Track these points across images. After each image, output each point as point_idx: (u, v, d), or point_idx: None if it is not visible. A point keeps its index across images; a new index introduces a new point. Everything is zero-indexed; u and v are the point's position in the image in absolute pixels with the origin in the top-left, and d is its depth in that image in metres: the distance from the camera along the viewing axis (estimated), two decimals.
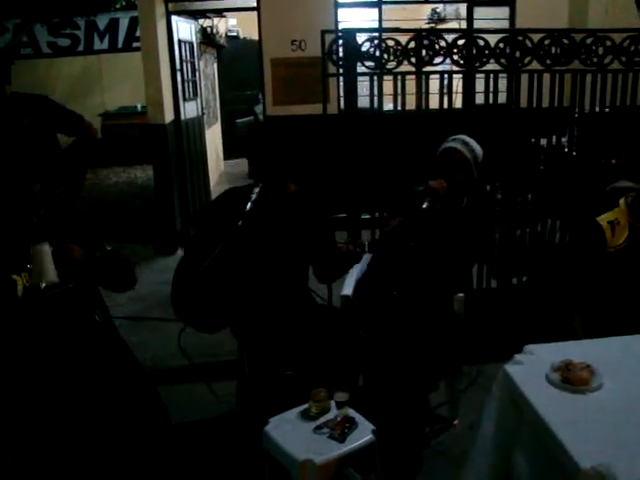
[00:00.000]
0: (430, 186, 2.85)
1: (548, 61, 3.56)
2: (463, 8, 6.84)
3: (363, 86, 3.73)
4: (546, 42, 3.52)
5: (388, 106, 3.84)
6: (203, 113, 7.62)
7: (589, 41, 3.54)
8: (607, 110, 3.78)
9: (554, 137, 3.86)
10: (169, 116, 6.10)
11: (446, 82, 3.70)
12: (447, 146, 2.99)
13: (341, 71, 3.59)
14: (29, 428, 2.11)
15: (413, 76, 3.61)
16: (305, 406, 2.31)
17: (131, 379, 2.31)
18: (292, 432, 2.24)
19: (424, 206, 2.79)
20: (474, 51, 3.55)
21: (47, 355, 2.18)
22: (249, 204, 2.75)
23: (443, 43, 3.54)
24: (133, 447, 2.18)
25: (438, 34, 3.60)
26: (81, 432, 2.11)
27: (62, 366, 2.18)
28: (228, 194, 2.91)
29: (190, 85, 6.86)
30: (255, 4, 6.13)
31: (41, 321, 2.19)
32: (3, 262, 2.13)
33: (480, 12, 6.31)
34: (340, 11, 6.27)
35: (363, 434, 2.23)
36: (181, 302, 2.80)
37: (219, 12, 8.17)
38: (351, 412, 2.31)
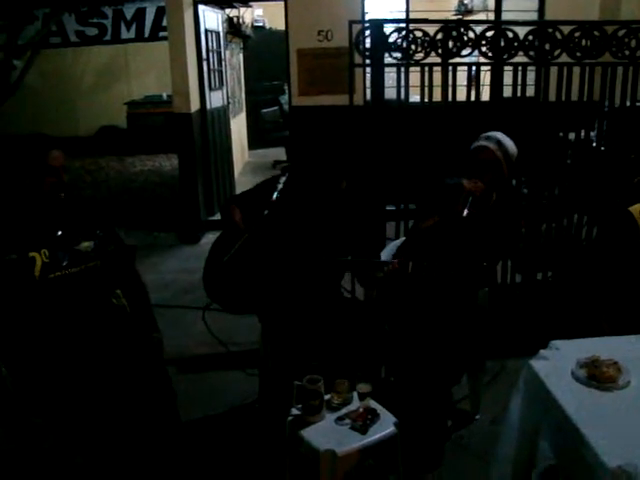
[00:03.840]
0: (466, 189, 2.79)
1: (578, 54, 3.50)
2: None
3: (389, 77, 3.71)
4: (576, 34, 3.46)
5: (414, 98, 3.81)
6: (228, 103, 7.64)
7: (621, 33, 3.47)
8: (638, 104, 3.71)
9: (583, 131, 3.80)
10: (195, 105, 6.13)
11: (474, 74, 3.66)
12: (479, 144, 2.94)
13: (368, 62, 3.56)
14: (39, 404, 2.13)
15: (440, 67, 3.58)
16: (327, 397, 2.32)
17: (137, 365, 2.30)
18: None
19: (464, 214, 2.74)
20: (502, 43, 3.50)
21: (58, 331, 2.18)
22: (275, 194, 2.78)
23: (471, 34, 3.49)
24: (140, 436, 2.19)
25: (466, 25, 3.56)
26: (87, 415, 2.13)
27: (72, 343, 2.18)
28: (265, 184, 2.96)
29: (216, 75, 6.87)
30: None
31: (57, 298, 2.19)
32: (22, 239, 2.14)
33: (509, 4, 6.22)
34: (367, 1, 6.24)
35: (385, 426, 2.23)
36: (210, 285, 2.89)
37: (245, 2, 8.17)
38: (373, 404, 2.31)
